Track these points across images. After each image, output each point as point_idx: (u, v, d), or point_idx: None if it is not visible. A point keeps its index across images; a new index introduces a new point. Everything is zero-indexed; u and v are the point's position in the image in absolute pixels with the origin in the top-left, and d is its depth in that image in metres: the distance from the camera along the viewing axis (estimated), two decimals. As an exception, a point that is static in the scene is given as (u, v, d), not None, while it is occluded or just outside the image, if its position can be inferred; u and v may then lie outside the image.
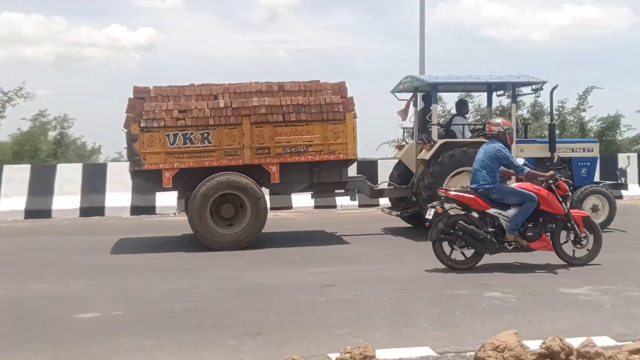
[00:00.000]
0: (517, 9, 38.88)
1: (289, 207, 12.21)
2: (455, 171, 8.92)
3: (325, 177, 8.77)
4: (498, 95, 10.28)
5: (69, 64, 38.78)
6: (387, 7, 40.56)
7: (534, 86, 9.46)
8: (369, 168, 12.18)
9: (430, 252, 6.60)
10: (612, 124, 17.31)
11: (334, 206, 12.33)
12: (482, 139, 9.36)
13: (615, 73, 36.05)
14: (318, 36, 40.48)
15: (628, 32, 36.42)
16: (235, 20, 40.17)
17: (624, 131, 17.93)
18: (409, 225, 9.91)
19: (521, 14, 37.31)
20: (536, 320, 4.69)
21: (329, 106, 8.38)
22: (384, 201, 10.89)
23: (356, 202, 10.60)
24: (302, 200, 10.89)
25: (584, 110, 17.80)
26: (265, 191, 8.64)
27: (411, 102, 10.21)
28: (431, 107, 9.85)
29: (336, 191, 9.20)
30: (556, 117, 14.06)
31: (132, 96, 8.11)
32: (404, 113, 10.34)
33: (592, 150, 9.93)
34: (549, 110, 9.25)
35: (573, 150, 9.85)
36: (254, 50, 40.49)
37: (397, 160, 10.24)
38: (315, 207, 12.02)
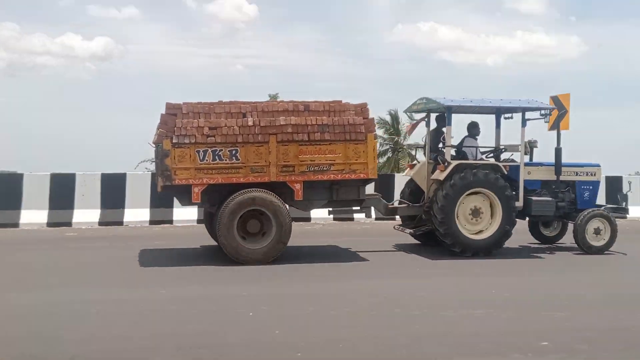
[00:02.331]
0: (472, 34, 40.12)
1: (308, 219, 12.65)
2: (468, 192, 9.32)
3: (344, 194, 9.10)
4: (505, 119, 10.70)
5: (21, 72, 38.32)
6: (346, 27, 41.40)
7: (542, 112, 9.90)
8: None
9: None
10: None
11: (351, 219, 12.79)
12: (493, 161, 9.85)
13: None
14: (277, 53, 41.14)
15: (578, 60, 37.90)
16: (193, 33, 40.45)
17: None
18: (418, 242, 10.34)
19: (476, 39, 38.57)
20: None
21: (351, 126, 8.71)
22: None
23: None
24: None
25: None
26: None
27: (422, 122, 10.60)
28: (444, 129, 10.28)
29: (353, 208, 9.55)
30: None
31: (163, 112, 8.36)
32: (411, 129, 10.77)
33: (594, 174, 10.40)
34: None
35: (577, 174, 10.32)
36: (212, 64, 40.79)
37: (408, 178, 10.62)
38: (334, 219, 12.45)
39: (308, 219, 12.87)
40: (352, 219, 12.98)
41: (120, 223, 12.17)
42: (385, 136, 34.15)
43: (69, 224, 11.93)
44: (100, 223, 12.07)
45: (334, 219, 12.46)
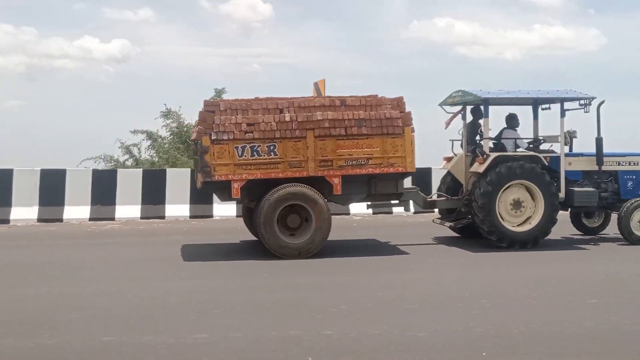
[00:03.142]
0: (488, 29, 39.56)
1: (347, 213, 12.76)
2: (508, 184, 9.20)
3: (382, 188, 9.06)
4: (543, 109, 10.54)
5: (40, 75, 38.94)
6: (360, 24, 41.14)
7: (581, 101, 9.71)
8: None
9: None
10: None
11: (390, 212, 12.83)
12: (534, 153, 9.70)
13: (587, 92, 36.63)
14: (292, 51, 40.99)
15: (597, 53, 37.16)
16: (208, 33, 40.47)
17: None
18: (457, 235, 10.25)
19: (493, 34, 38.03)
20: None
21: (388, 120, 8.68)
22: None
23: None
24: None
25: None
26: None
27: (459, 115, 10.51)
28: (480, 121, 10.18)
29: (391, 202, 9.53)
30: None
31: (202, 109, 8.46)
32: (448, 123, 10.69)
33: (637, 164, 10.17)
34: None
35: (619, 163, 10.10)
36: (228, 63, 40.82)
37: (446, 171, 10.54)
38: (374, 213, 12.50)
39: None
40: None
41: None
42: None
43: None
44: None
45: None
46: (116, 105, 35.36)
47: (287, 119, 8.46)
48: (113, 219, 12.42)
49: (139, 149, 19.47)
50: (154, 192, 12.75)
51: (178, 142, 19.29)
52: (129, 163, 18.86)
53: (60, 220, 12.27)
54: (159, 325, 5.15)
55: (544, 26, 37.87)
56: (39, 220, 12.18)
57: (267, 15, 39.74)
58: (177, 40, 40.47)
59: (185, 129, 19.19)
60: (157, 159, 18.92)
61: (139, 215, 12.57)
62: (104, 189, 12.59)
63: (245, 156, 8.37)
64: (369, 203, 9.63)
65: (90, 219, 12.32)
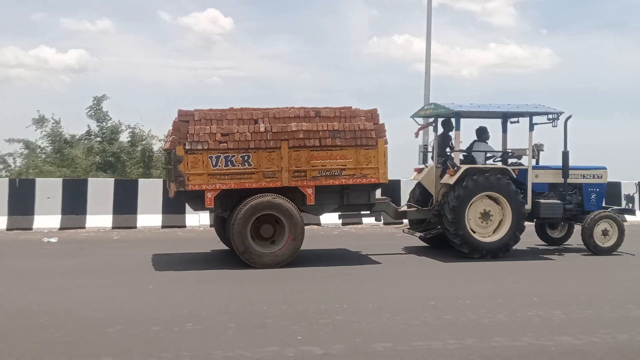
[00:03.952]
0: (446, 47, 40.70)
1: (318, 224, 12.82)
2: (477, 195, 9.41)
3: (355, 199, 9.16)
4: (512, 123, 10.79)
5: None
6: (321, 39, 41.64)
7: (549, 116, 9.97)
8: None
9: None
10: None
11: (360, 223, 12.93)
12: (503, 165, 9.93)
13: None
14: (253, 64, 41.19)
15: (550, 71, 38.58)
16: (168, 45, 40.29)
17: None
18: (426, 245, 10.43)
19: (450, 52, 39.13)
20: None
21: (362, 132, 8.78)
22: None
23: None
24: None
25: None
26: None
27: (430, 127, 10.70)
28: (450, 133, 10.38)
29: (362, 212, 9.63)
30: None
31: (176, 119, 8.43)
32: (419, 131, 10.91)
33: (601, 177, 10.51)
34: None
35: (584, 176, 10.42)
36: (188, 76, 40.73)
37: (416, 181, 10.71)
38: (343, 223, 12.63)
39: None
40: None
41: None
42: None
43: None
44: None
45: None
46: (71, 114, 34.76)
47: (262, 129, 8.49)
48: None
49: (14, 158, 19.25)
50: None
51: (53, 153, 19.00)
52: (1, 173, 18.58)
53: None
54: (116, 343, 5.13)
55: (499, 45, 39.00)
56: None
57: (227, 29, 39.70)
58: (136, 52, 40.05)
59: (59, 137, 18.95)
60: (26, 169, 18.67)
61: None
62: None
63: (219, 166, 8.37)
64: (340, 214, 9.71)
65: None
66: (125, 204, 12.56)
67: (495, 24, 41.02)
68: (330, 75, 41.75)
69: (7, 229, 11.90)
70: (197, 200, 8.58)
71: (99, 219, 12.37)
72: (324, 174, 8.68)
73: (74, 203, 12.32)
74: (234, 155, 8.41)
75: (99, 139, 21.75)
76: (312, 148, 8.61)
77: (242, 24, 41.81)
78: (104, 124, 21.80)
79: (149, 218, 12.60)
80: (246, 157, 8.45)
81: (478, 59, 40.07)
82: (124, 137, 21.71)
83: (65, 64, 38.06)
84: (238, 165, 8.42)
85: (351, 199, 9.13)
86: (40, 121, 19.38)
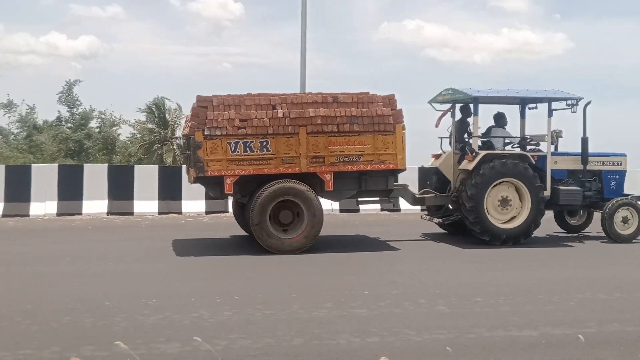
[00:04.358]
0: (458, 32, 40.40)
1: (357, 210, 12.91)
2: (496, 182, 9.36)
3: (373, 185, 9.14)
4: (529, 109, 10.70)
5: (5, 71, 38.34)
6: (331, 25, 41.69)
7: (569, 102, 9.88)
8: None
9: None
10: None
11: (379, 210, 12.88)
12: (521, 151, 9.86)
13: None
14: (263, 50, 41.21)
15: (563, 56, 38.17)
16: (179, 31, 40.50)
17: None
18: (445, 231, 10.40)
19: (462, 37, 38.86)
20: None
21: (380, 118, 8.75)
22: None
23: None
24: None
25: None
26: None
27: (448, 113, 10.62)
28: (468, 119, 10.32)
29: (380, 198, 9.61)
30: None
31: (194, 104, 8.45)
32: (439, 120, 10.79)
33: (620, 164, 10.40)
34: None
35: (603, 163, 10.32)
36: (199, 62, 40.90)
37: (434, 168, 10.66)
38: (363, 210, 12.61)
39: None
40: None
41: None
42: (151, 126, 30.59)
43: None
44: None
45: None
46: (85, 101, 34.96)
47: (280, 115, 8.49)
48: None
49: None
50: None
51: (23, 139, 18.95)
52: None
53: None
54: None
55: (511, 30, 38.58)
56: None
57: (237, 15, 39.66)
58: (146, 38, 40.20)
59: (29, 123, 18.88)
60: None
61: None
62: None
63: (238, 152, 8.39)
64: (358, 200, 9.69)
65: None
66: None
67: (507, 8, 40.72)
68: (341, 61, 41.85)
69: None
70: (216, 186, 8.61)
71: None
72: (342, 159, 8.67)
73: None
74: (253, 141, 8.42)
75: (69, 125, 21.63)
76: (330, 134, 8.60)
77: (252, 9, 41.89)
78: (75, 109, 21.71)
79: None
80: (264, 143, 8.45)
81: (490, 44, 39.81)
82: (95, 124, 21.59)
83: (76, 50, 38.28)
84: (256, 151, 8.43)
85: (369, 185, 9.11)
86: (8, 106, 19.34)
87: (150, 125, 30.97)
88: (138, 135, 30.91)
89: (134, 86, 35.66)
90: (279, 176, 8.49)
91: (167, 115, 30.97)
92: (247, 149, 8.42)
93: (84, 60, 38.83)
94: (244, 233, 9.84)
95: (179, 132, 27.96)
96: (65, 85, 20.71)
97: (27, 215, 12.04)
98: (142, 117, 30.51)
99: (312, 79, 41.01)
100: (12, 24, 41.19)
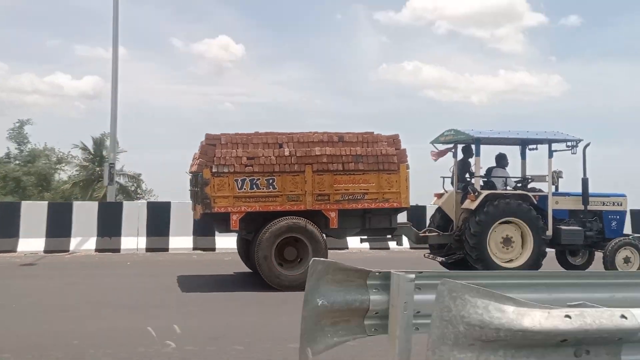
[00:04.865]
0: (455, 73, 41.24)
1: (345, 248, 12.87)
2: (498, 221, 9.48)
3: (376, 222, 9.27)
4: (530, 150, 10.90)
5: (10, 110, 38.86)
6: (331, 65, 42.50)
7: (568, 143, 10.07)
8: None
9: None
10: None
11: (387, 248, 12.96)
12: (523, 192, 10.01)
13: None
14: (264, 90, 41.92)
15: (560, 98, 38.89)
16: (181, 72, 41.26)
17: None
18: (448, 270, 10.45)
19: (460, 78, 39.63)
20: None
21: (384, 157, 8.95)
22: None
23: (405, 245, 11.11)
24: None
25: None
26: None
27: (449, 152, 10.80)
28: (470, 160, 10.50)
29: (384, 236, 9.72)
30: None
31: (203, 142, 8.64)
32: (438, 156, 10.92)
33: (621, 204, 10.54)
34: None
35: (604, 203, 10.46)
36: (201, 102, 41.57)
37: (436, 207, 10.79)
38: (371, 248, 12.61)
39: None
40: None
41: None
42: (85, 162, 29.65)
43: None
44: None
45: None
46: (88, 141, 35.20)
47: (287, 153, 8.67)
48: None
49: None
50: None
51: None
52: None
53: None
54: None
55: (508, 72, 39.33)
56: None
57: (239, 56, 40.44)
58: (149, 78, 40.90)
59: None
60: None
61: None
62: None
63: (244, 189, 8.53)
64: (362, 238, 9.79)
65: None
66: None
67: (505, 50, 41.56)
68: (341, 100, 42.46)
69: None
70: (222, 222, 8.73)
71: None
72: (346, 197, 8.81)
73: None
74: (259, 179, 8.58)
75: (17, 161, 21.85)
76: (335, 172, 8.77)
77: (253, 50, 42.70)
78: (23, 147, 21.95)
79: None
80: (271, 181, 8.61)
81: (487, 85, 40.51)
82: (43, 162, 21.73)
83: (80, 90, 38.79)
84: (263, 188, 8.58)
85: (373, 223, 9.24)
86: None
87: (84, 163, 29.97)
88: (75, 173, 30.30)
89: (137, 125, 36.18)
90: (285, 213, 8.62)
91: (104, 152, 29.83)
92: (254, 186, 8.57)
93: (87, 100, 39.47)
94: (247, 270, 9.89)
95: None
96: (17, 122, 21.18)
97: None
98: (79, 153, 30.17)
99: (312, 118, 41.60)
100: (18, 64, 42.00)
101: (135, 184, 28.91)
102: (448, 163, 10.87)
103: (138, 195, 26.91)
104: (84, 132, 39.27)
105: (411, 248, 12.69)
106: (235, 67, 41.02)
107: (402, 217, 10.21)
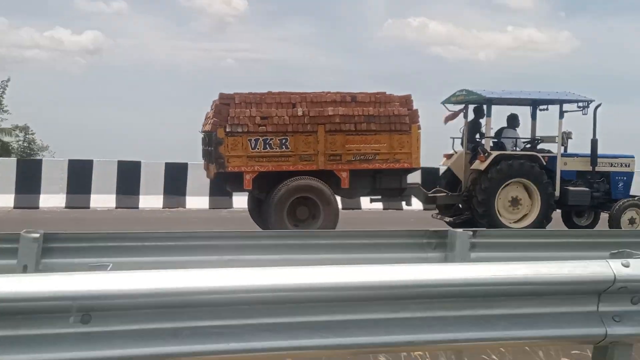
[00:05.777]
0: (462, 29, 40.35)
1: (359, 208, 13.02)
2: (507, 182, 9.58)
3: (387, 183, 9.37)
4: (540, 110, 10.91)
5: (10, 65, 38.42)
6: (335, 21, 41.60)
7: (580, 104, 10.09)
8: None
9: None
10: None
11: (400, 208, 12.97)
12: (533, 152, 10.08)
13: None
14: (267, 46, 41.15)
15: (569, 55, 38.17)
16: (182, 27, 40.49)
17: None
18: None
19: (467, 34, 38.79)
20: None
21: (396, 117, 8.98)
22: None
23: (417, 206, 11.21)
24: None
25: None
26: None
27: (461, 113, 10.81)
28: (481, 120, 10.52)
29: (394, 197, 9.84)
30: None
31: (216, 101, 8.66)
32: (449, 119, 10.93)
33: (628, 166, 10.62)
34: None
35: (611, 165, 10.54)
36: (202, 58, 40.88)
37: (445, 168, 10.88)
38: (384, 209, 12.78)
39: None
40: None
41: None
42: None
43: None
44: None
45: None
46: (88, 96, 35.00)
47: (300, 113, 8.71)
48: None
49: None
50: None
51: None
52: None
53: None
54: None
55: (516, 28, 38.60)
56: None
57: (241, 10, 39.66)
58: (150, 33, 40.26)
59: None
60: None
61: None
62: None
63: (258, 149, 8.61)
64: (372, 198, 9.91)
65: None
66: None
67: (512, 5, 40.72)
68: (345, 58, 41.90)
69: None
70: (236, 182, 8.83)
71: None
72: (358, 158, 8.89)
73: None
74: (272, 138, 8.64)
75: None
76: (347, 132, 8.83)
77: (256, 5, 41.92)
78: None
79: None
80: (284, 140, 8.67)
81: (495, 42, 39.87)
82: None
83: (80, 45, 38.33)
84: (276, 148, 8.66)
85: (383, 183, 9.34)
86: None
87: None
88: None
89: (138, 81, 35.89)
90: (297, 173, 8.71)
91: None
92: (267, 146, 8.64)
93: (88, 56, 38.96)
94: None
95: None
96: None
97: None
98: None
99: (316, 75, 41.07)
100: (17, 19, 41.37)
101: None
102: (458, 124, 10.90)
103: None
104: (86, 87, 38.83)
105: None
106: (238, 22, 40.37)
107: (416, 178, 10.28)
